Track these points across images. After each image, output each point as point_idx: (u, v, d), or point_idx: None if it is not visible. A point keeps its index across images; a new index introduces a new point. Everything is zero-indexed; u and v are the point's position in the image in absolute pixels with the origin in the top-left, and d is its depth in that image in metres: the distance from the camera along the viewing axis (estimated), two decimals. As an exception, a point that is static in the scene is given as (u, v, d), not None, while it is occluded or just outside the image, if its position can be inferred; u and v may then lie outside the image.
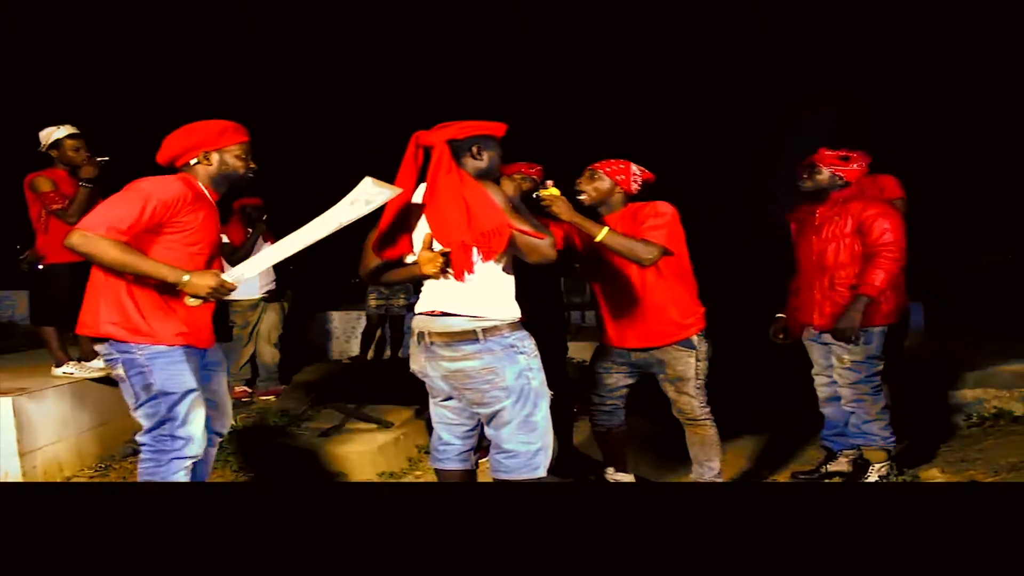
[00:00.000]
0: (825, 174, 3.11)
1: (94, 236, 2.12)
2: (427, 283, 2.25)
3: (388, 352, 6.56)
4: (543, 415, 2.20)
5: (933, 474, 3.42)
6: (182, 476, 2.34)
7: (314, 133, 8.91)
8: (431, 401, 2.36)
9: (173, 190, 2.26)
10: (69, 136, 3.59)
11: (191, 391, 2.34)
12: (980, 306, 6.54)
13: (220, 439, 2.67)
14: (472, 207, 2.08)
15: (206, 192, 2.38)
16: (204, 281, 2.18)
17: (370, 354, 6.39)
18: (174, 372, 2.32)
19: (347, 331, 7.08)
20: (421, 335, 2.23)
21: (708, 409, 2.92)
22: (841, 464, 3.35)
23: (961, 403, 4.23)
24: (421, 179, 2.23)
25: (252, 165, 2.45)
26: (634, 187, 2.88)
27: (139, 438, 2.36)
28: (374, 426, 4.03)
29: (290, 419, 4.23)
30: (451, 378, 2.19)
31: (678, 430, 3.01)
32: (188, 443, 2.33)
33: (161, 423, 2.31)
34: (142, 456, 2.36)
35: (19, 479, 3.21)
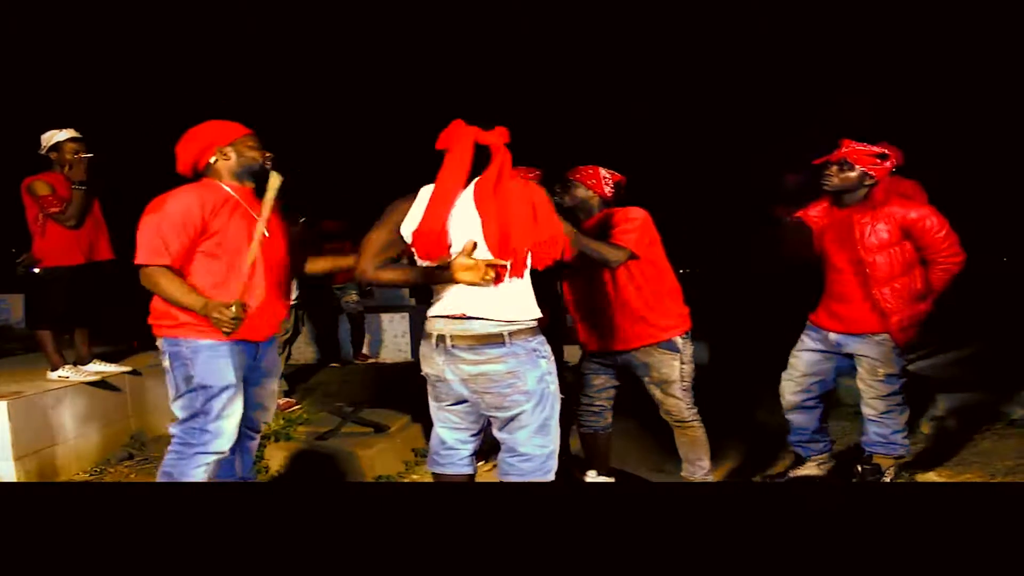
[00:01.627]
0: (857, 172, 2.86)
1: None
2: (446, 286, 2.15)
3: (367, 352, 6.49)
4: (556, 419, 2.21)
5: (930, 477, 3.43)
6: (201, 472, 2.32)
7: (330, 136, 8.93)
8: (435, 405, 2.30)
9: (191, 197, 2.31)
10: (70, 139, 3.58)
11: (229, 387, 2.35)
12: (976, 309, 6.57)
13: (259, 434, 2.68)
14: (539, 214, 2.08)
15: (230, 191, 2.41)
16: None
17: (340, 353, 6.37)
18: (216, 366, 2.33)
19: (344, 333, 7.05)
20: (441, 338, 2.16)
21: (695, 410, 2.97)
22: (810, 468, 3.32)
23: (957, 406, 4.24)
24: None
25: (268, 154, 2.49)
26: (607, 190, 2.94)
27: (171, 429, 2.39)
28: (370, 429, 4.02)
29: (286, 423, 4.22)
30: (471, 381, 2.14)
31: (669, 427, 3.05)
32: (216, 438, 2.34)
33: (194, 416, 2.33)
34: (169, 448, 2.38)
35: (14, 483, 3.20)
